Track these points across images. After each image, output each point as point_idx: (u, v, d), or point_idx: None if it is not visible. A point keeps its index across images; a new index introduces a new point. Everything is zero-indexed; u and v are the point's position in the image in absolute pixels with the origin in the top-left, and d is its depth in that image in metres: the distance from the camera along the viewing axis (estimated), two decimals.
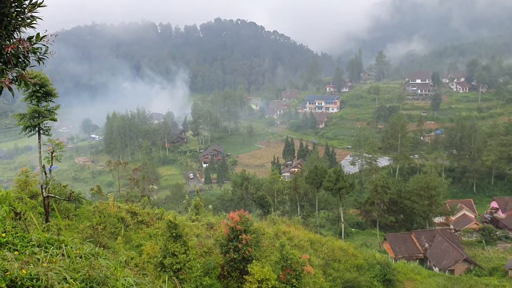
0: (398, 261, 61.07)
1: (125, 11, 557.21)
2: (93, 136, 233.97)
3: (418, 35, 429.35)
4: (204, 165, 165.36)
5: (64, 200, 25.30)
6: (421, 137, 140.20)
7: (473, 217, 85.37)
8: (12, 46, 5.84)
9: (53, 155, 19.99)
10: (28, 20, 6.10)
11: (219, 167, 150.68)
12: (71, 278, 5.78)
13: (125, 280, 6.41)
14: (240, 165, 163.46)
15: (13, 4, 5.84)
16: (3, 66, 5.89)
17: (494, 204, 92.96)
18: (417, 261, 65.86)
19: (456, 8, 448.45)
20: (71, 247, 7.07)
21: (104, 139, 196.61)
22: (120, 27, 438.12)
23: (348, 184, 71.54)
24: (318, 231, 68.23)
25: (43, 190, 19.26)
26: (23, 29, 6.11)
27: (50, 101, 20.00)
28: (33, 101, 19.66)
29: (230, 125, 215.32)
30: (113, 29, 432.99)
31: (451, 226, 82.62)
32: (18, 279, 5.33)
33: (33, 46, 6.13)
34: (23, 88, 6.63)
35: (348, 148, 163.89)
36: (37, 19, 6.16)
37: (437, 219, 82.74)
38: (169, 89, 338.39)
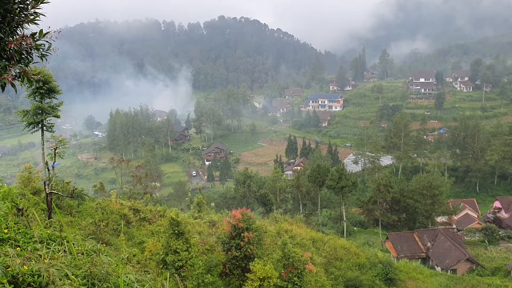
0: (400, 260, 61.01)
1: (128, 9, 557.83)
2: (96, 133, 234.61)
3: (422, 34, 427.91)
4: (207, 163, 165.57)
5: (67, 196, 25.40)
6: (425, 136, 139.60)
7: (476, 216, 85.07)
8: (15, 42, 5.83)
9: (56, 151, 20.05)
10: (31, 17, 6.09)
11: (222, 165, 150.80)
12: (72, 275, 5.79)
13: (127, 277, 6.41)
14: (242, 163, 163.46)
15: (17, 1, 5.84)
16: (6, 63, 5.89)
17: (497, 203, 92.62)
18: (419, 260, 65.74)
19: (460, 7, 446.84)
20: (73, 244, 7.08)
21: (107, 136, 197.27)
22: (123, 24, 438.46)
23: (350, 182, 71.52)
24: (320, 229, 68.28)
25: (46, 187, 19.32)
26: (26, 25, 6.09)
27: (53, 97, 20.09)
28: (36, 97, 19.75)
29: (233, 123, 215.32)
30: (117, 27, 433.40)
31: (454, 226, 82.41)
32: (19, 275, 5.34)
33: (36, 43, 6.12)
34: (26, 84, 6.64)
35: (349, 146, 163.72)
36: (40, 16, 6.15)
37: (440, 219, 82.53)
38: (172, 86, 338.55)
